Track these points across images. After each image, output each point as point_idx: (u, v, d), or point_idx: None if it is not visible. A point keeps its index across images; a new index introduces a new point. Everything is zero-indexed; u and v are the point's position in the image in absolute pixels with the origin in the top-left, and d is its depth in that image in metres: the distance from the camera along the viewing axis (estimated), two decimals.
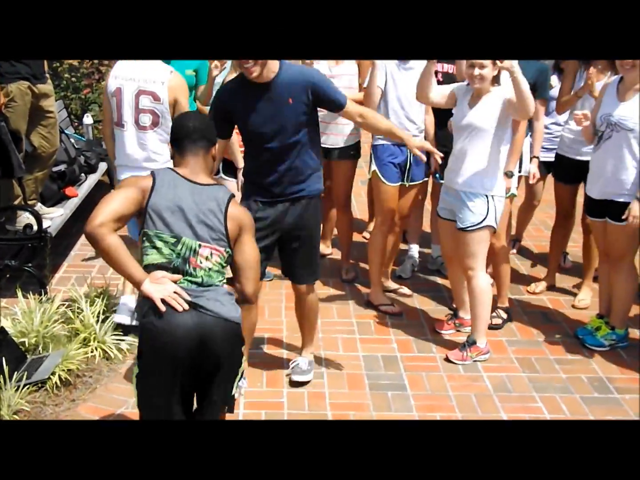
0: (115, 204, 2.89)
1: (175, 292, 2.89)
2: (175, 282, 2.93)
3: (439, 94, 4.50)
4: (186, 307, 2.88)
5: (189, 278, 2.96)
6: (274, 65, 3.74)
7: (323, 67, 5.05)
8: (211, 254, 3.00)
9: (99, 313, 4.53)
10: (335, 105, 3.90)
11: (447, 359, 4.58)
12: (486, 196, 4.41)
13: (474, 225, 4.43)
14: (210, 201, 3.03)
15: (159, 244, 2.95)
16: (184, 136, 3.11)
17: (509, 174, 4.66)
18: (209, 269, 2.99)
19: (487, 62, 4.24)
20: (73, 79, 8.17)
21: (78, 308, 4.60)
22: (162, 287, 2.89)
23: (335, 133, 5.25)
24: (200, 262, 2.98)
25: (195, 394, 3.10)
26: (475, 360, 4.57)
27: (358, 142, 5.36)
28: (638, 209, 4.30)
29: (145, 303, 2.93)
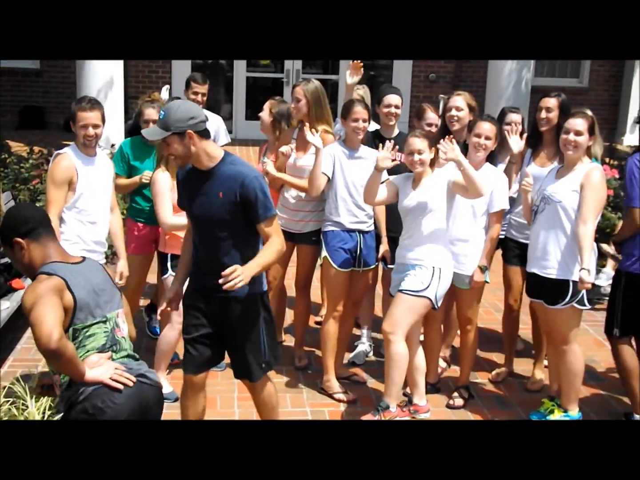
0: (56, 315, 2.95)
1: (117, 369, 3.07)
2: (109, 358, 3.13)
3: (382, 195, 4.71)
4: (134, 379, 3.07)
5: (119, 353, 3.17)
6: (210, 156, 3.75)
7: (290, 159, 5.13)
8: (122, 319, 3.28)
9: (44, 409, 4.38)
10: (254, 218, 3.75)
11: None
12: (433, 268, 4.57)
13: (411, 291, 4.54)
14: (100, 272, 3.28)
15: (92, 330, 3.10)
16: (38, 224, 3.22)
17: (483, 269, 4.85)
18: (124, 334, 3.25)
19: (425, 148, 4.52)
20: (22, 170, 8.12)
21: (23, 404, 4.45)
22: (105, 368, 3.05)
23: (296, 220, 5.18)
24: (122, 329, 3.23)
25: None
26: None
27: (320, 229, 5.18)
28: (587, 276, 4.30)
29: (79, 390, 3.05)
